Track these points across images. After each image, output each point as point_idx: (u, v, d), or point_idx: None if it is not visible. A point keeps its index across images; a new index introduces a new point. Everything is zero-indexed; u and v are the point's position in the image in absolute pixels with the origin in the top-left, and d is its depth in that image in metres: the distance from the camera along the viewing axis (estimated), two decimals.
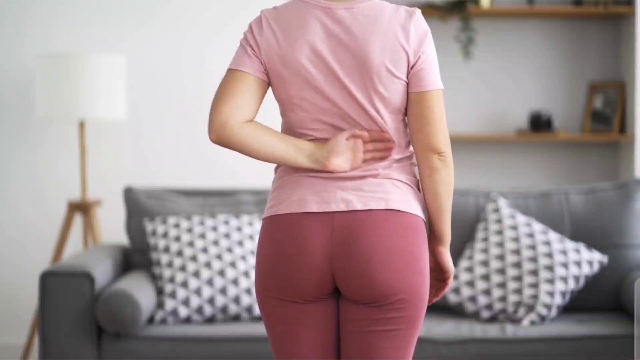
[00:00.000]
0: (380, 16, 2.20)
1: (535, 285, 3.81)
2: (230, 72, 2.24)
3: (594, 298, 3.96)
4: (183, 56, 4.78)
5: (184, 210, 4.10)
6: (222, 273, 3.85)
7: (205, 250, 3.90)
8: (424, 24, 2.23)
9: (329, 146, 2.22)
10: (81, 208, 4.53)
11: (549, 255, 3.86)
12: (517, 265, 3.86)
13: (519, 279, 3.83)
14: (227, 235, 3.95)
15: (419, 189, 2.29)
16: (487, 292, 3.85)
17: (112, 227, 4.70)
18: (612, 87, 5.03)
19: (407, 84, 2.22)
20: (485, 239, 3.95)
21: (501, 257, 3.89)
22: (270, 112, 2.66)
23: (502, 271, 3.87)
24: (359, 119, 2.22)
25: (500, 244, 3.92)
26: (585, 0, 4.96)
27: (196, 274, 3.85)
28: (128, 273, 4.03)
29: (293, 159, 2.22)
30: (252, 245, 3.94)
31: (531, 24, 5.11)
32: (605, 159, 5.12)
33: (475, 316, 3.87)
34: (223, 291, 3.83)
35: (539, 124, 4.94)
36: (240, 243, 3.94)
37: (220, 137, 2.20)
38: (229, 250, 3.91)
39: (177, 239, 3.94)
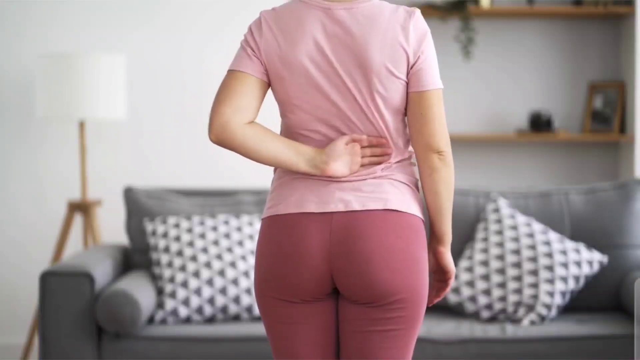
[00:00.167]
0: (379, 16, 2.21)
1: (535, 285, 3.81)
2: (231, 73, 2.24)
3: (594, 298, 3.96)
4: (183, 56, 4.78)
5: (184, 210, 4.10)
6: (222, 273, 3.85)
7: (205, 250, 3.90)
8: (423, 24, 2.23)
9: (328, 151, 2.22)
10: (81, 208, 4.53)
11: (549, 255, 3.86)
12: (517, 265, 3.86)
13: (519, 279, 3.83)
14: (227, 235, 3.95)
15: (418, 189, 2.29)
16: (487, 292, 3.85)
17: (112, 227, 4.70)
18: (612, 87, 5.03)
19: (407, 84, 2.22)
20: (485, 239, 3.95)
21: (501, 257, 3.89)
22: (270, 113, 2.66)
23: (502, 271, 3.87)
24: (358, 119, 2.22)
25: (500, 244, 3.92)
26: (585, 0, 4.96)
27: (196, 274, 3.85)
28: (128, 273, 4.03)
29: (293, 163, 2.22)
30: (252, 245, 3.94)
31: (531, 24, 5.11)
32: (605, 159, 5.12)
33: (475, 316, 3.87)
34: (223, 291, 3.83)
35: (539, 124, 4.94)
36: (240, 243, 3.94)
37: (221, 138, 2.20)
38: (229, 250, 3.91)
39: (177, 239, 3.95)
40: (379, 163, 2.24)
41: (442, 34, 4.93)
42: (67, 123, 4.77)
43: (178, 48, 4.78)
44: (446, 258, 2.33)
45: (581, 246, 3.92)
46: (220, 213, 4.09)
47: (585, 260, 3.88)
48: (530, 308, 3.78)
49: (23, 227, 4.80)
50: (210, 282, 3.83)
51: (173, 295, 3.82)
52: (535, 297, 3.79)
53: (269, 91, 2.29)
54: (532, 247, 3.88)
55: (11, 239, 4.80)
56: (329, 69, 2.20)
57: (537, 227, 3.95)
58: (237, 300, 3.83)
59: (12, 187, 4.79)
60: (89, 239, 4.61)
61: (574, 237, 4.00)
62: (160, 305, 3.81)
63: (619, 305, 3.96)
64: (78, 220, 4.77)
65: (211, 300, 3.82)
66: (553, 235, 3.93)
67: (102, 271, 3.80)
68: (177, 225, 3.99)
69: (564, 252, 3.87)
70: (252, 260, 3.90)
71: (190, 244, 3.92)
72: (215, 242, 3.93)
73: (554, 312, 3.80)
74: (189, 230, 3.96)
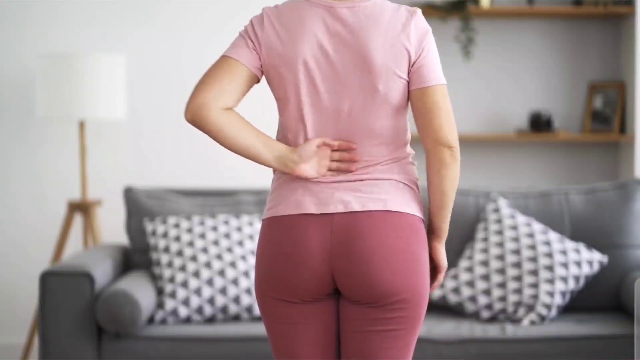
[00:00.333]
0: (381, 15, 2.21)
1: (535, 285, 3.81)
2: (225, 58, 2.23)
3: (594, 298, 3.96)
4: (183, 56, 4.78)
5: (184, 210, 4.10)
6: (222, 273, 3.85)
7: (205, 250, 3.90)
8: (424, 23, 2.23)
9: (299, 151, 2.22)
10: (81, 208, 4.53)
11: (549, 255, 3.86)
12: (517, 265, 3.86)
13: (519, 279, 3.83)
14: (227, 235, 3.95)
15: (418, 189, 2.29)
16: (487, 292, 3.85)
17: (112, 227, 4.70)
18: (612, 87, 5.03)
19: (409, 82, 2.22)
20: (485, 239, 3.95)
21: (501, 257, 3.89)
22: (269, 113, 2.66)
23: (502, 271, 3.86)
24: (356, 117, 2.22)
25: (500, 244, 3.91)
26: (585, 0, 4.96)
27: (196, 274, 3.85)
28: (128, 273, 4.03)
29: (263, 158, 2.21)
30: (252, 245, 3.94)
31: (531, 24, 5.11)
32: (605, 159, 5.12)
33: (475, 316, 3.87)
34: (223, 291, 3.83)
35: (539, 124, 4.94)
36: (240, 243, 3.94)
37: (196, 118, 2.19)
38: (229, 250, 3.91)
39: (177, 239, 3.94)
40: (347, 170, 2.23)
41: (442, 34, 4.92)
42: (67, 123, 4.77)
43: (178, 48, 4.78)
44: (440, 253, 2.32)
45: (581, 246, 3.92)
46: (220, 213, 4.09)
47: (585, 260, 3.88)
48: (530, 308, 3.78)
49: (23, 227, 4.80)
50: (210, 282, 3.83)
51: (173, 295, 3.82)
52: (535, 297, 3.79)
53: (268, 89, 2.29)
54: (532, 247, 3.88)
55: (11, 239, 4.80)
56: (330, 67, 2.20)
57: (537, 227, 3.95)
58: (237, 300, 3.83)
59: (12, 187, 4.79)
60: (89, 239, 4.61)
61: (574, 237, 4.00)
62: (160, 305, 3.81)
63: (619, 305, 3.96)
64: (78, 220, 4.77)
65: (211, 300, 3.82)
66: (553, 235, 3.93)
67: (102, 271, 3.79)
68: (177, 225, 3.99)
69: (564, 252, 3.87)
70: (252, 260, 3.90)
71: (190, 244, 3.92)
72: (215, 242, 3.92)
73: (554, 312, 3.80)
74: (189, 230, 3.96)
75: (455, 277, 3.91)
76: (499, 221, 3.98)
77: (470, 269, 3.90)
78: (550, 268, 3.83)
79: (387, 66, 2.19)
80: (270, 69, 2.23)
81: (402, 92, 2.22)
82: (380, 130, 2.23)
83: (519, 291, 3.81)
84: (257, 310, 3.83)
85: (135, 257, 4.11)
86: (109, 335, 3.69)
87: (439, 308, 3.93)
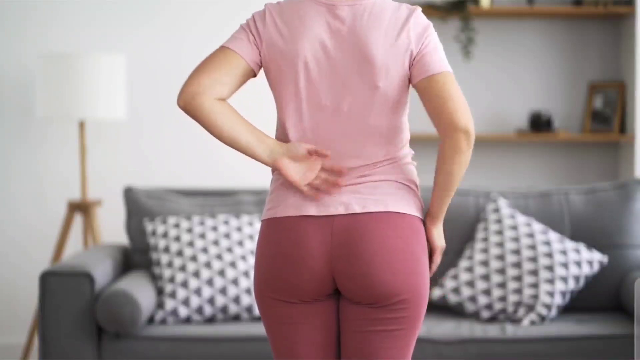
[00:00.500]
0: (382, 13, 2.21)
1: (535, 285, 3.81)
2: (224, 49, 2.23)
3: (594, 298, 3.96)
4: (183, 56, 4.77)
5: (184, 210, 4.10)
6: (222, 273, 3.85)
7: (205, 250, 3.90)
8: (424, 19, 2.23)
9: (289, 146, 2.21)
10: (81, 208, 4.53)
11: (549, 255, 3.86)
12: (517, 265, 3.86)
13: (519, 279, 3.83)
14: (227, 235, 3.95)
15: (417, 189, 2.28)
16: (487, 292, 3.85)
17: (112, 227, 4.70)
18: (612, 87, 5.03)
19: (412, 77, 2.21)
20: (485, 239, 3.95)
21: (501, 257, 3.89)
22: (267, 111, 2.66)
23: (502, 271, 3.87)
24: (356, 115, 2.22)
25: (500, 244, 3.91)
26: (585, 0, 4.96)
27: (196, 274, 3.85)
28: (128, 273, 4.03)
29: (253, 149, 2.20)
30: (252, 245, 3.94)
31: (531, 24, 5.11)
32: (605, 159, 5.12)
33: (475, 316, 3.87)
34: (223, 291, 3.83)
35: (539, 124, 4.94)
36: (240, 243, 3.94)
37: (189, 107, 2.19)
38: (229, 250, 3.91)
39: (177, 239, 3.95)
40: (327, 193, 2.20)
41: (442, 34, 4.88)
42: (67, 123, 4.77)
43: (178, 48, 4.78)
44: (434, 235, 2.29)
45: (581, 246, 3.92)
46: (220, 213, 4.09)
47: (585, 260, 3.88)
48: (530, 308, 3.78)
49: (23, 227, 4.80)
50: (210, 282, 3.83)
51: (173, 295, 3.82)
52: (535, 297, 3.79)
53: (266, 87, 2.28)
54: (532, 247, 3.88)
55: (11, 239, 4.80)
56: (331, 65, 2.21)
57: (537, 227, 3.95)
58: (237, 300, 3.83)
59: (12, 187, 4.79)
60: (89, 239, 4.61)
61: (574, 237, 4.00)
62: (160, 305, 3.81)
63: (619, 305, 3.96)
64: (78, 220, 4.77)
65: (211, 300, 3.82)
66: (553, 235, 3.93)
67: (102, 271, 3.79)
68: (177, 225, 3.99)
69: (564, 252, 3.87)
70: (252, 260, 3.90)
71: (190, 244, 3.92)
72: (215, 242, 3.93)
73: (554, 312, 3.80)
74: (189, 230, 3.96)
75: (455, 277, 3.91)
76: (499, 221, 3.98)
77: (470, 269, 3.90)
78: (550, 268, 3.83)
79: (387, 64, 2.19)
80: (270, 66, 2.23)
81: (402, 90, 2.22)
82: (380, 129, 2.23)
83: (519, 291, 3.81)
84: (257, 310, 3.83)
85: (135, 257, 4.11)
86: (109, 335, 3.69)
87: (439, 308, 3.93)
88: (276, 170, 2.24)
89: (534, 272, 3.83)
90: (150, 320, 3.80)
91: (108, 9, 4.76)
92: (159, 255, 3.93)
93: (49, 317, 3.67)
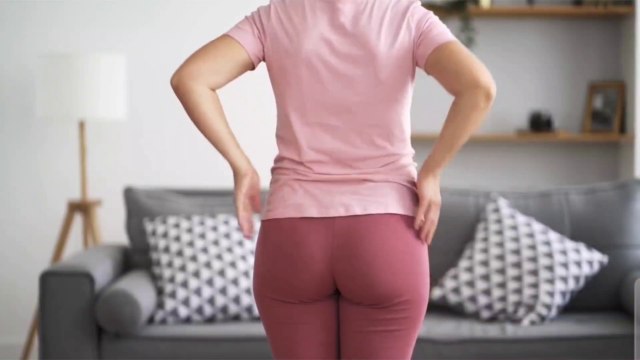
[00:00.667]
0: (383, 7, 2.22)
1: (535, 285, 3.81)
2: (227, 37, 2.24)
3: (594, 298, 3.96)
4: (183, 56, 4.75)
5: (184, 210, 4.10)
6: (222, 273, 3.85)
7: (205, 250, 3.90)
8: (423, 9, 2.24)
9: (254, 174, 2.25)
10: (81, 208, 4.53)
11: (549, 255, 3.86)
12: (517, 265, 3.86)
13: (519, 279, 3.83)
14: (227, 235, 3.95)
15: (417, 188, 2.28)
16: (487, 292, 3.85)
17: (112, 227, 4.70)
18: (612, 87, 5.03)
19: (418, 61, 2.20)
20: (485, 239, 3.95)
21: (501, 257, 3.89)
22: (266, 109, 2.66)
23: (502, 271, 3.86)
24: (358, 110, 2.22)
25: (500, 244, 3.91)
26: (585, 0, 4.96)
27: (196, 274, 3.85)
28: (128, 273, 4.03)
29: (230, 147, 2.22)
30: (252, 245, 3.94)
31: (531, 24, 5.11)
32: (605, 159, 5.12)
33: (475, 316, 3.87)
34: (223, 291, 3.83)
35: (539, 124, 4.94)
36: (240, 243, 3.94)
37: (181, 86, 2.19)
38: (229, 250, 3.91)
39: (177, 239, 3.95)
40: (246, 234, 2.24)
41: None
42: (67, 123, 4.77)
43: (178, 48, 4.77)
44: (424, 185, 2.21)
45: (581, 246, 3.92)
46: (220, 213, 4.09)
47: (585, 260, 3.88)
48: (530, 308, 3.78)
49: (23, 227, 4.80)
50: (210, 282, 3.83)
51: (173, 295, 3.82)
52: (535, 297, 3.79)
53: (267, 84, 2.29)
54: (532, 247, 3.88)
55: (11, 239, 4.80)
56: (333, 61, 2.21)
57: (537, 227, 3.95)
58: (237, 300, 3.83)
59: (12, 187, 4.79)
60: (89, 239, 4.61)
61: (574, 237, 4.00)
62: (160, 305, 3.81)
63: (619, 305, 3.96)
64: (78, 220, 4.77)
65: (211, 300, 3.82)
66: (553, 235, 3.93)
67: (102, 271, 3.79)
68: (177, 225, 3.99)
69: (564, 252, 3.87)
70: (252, 260, 3.90)
71: (190, 244, 3.92)
72: (215, 242, 3.93)
73: (554, 312, 3.80)
74: (189, 230, 3.96)
75: (455, 277, 3.91)
76: (499, 221, 3.98)
77: (470, 269, 3.90)
78: (550, 268, 3.83)
79: (391, 58, 2.20)
80: (273, 61, 2.24)
81: (406, 84, 2.23)
82: (382, 124, 2.22)
83: (519, 291, 3.81)
84: (257, 311, 3.83)
85: (135, 257, 4.11)
86: (109, 335, 3.69)
87: (439, 308, 3.93)
88: (239, 177, 2.25)
89: (534, 272, 3.83)
90: (150, 320, 3.80)
91: (108, 9, 4.76)
92: (159, 255, 3.94)
93: (49, 317, 3.67)
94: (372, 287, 2.17)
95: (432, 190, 2.22)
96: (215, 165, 4.75)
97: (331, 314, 2.26)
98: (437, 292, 3.91)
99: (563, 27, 5.10)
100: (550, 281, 3.81)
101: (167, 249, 3.93)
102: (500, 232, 3.94)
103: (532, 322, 3.75)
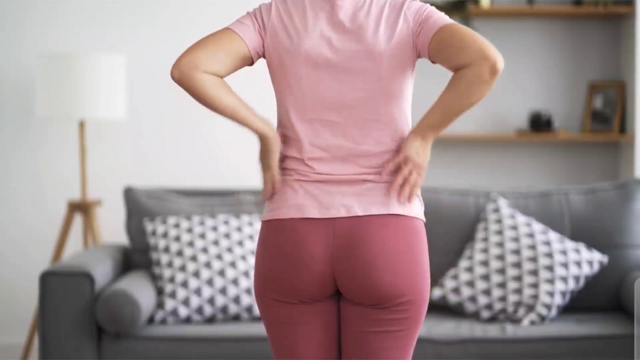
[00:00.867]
0: (381, 2, 2.23)
1: (535, 285, 3.81)
2: (227, 30, 2.24)
3: (594, 298, 3.96)
4: None
5: (184, 210, 4.10)
6: (222, 273, 3.85)
7: (205, 250, 3.90)
8: (419, 2, 2.24)
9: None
10: (81, 208, 4.53)
11: (549, 255, 3.86)
12: (517, 265, 3.86)
13: (519, 279, 3.83)
14: (227, 235, 3.95)
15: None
16: (487, 292, 3.85)
17: (112, 227, 4.70)
18: (612, 87, 5.03)
19: (420, 51, 2.20)
20: (485, 239, 3.95)
21: (501, 257, 3.89)
22: (266, 108, 2.66)
23: (502, 271, 3.86)
24: (358, 107, 2.22)
25: (500, 244, 3.91)
26: (585, 0, 4.96)
27: (196, 274, 3.85)
28: (128, 273, 4.03)
29: (249, 120, 2.21)
30: (252, 245, 3.94)
31: (531, 24, 5.11)
32: (605, 159, 5.12)
33: (475, 316, 3.87)
34: (223, 291, 3.83)
35: (539, 124, 4.94)
36: (240, 243, 3.94)
37: (184, 76, 2.18)
38: (229, 250, 3.91)
39: (177, 239, 3.95)
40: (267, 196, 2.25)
41: None
42: (67, 123, 4.77)
43: (178, 48, 4.73)
44: (409, 144, 2.17)
45: (581, 246, 3.92)
46: (220, 213, 4.09)
47: (585, 260, 3.88)
48: (530, 308, 3.78)
49: (23, 227, 4.80)
50: (210, 282, 3.83)
51: (173, 295, 3.82)
52: (535, 297, 3.79)
53: (266, 81, 2.29)
54: (532, 247, 3.88)
55: (11, 239, 4.80)
56: (333, 58, 2.21)
57: (537, 227, 3.95)
58: (237, 300, 3.83)
59: (12, 187, 4.79)
60: (89, 239, 4.61)
61: (574, 237, 4.00)
62: (160, 305, 3.81)
63: (619, 305, 3.96)
64: (78, 220, 4.77)
65: (211, 300, 3.82)
66: (553, 235, 3.93)
67: (102, 271, 3.79)
68: (177, 225, 3.99)
69: (564, 252, 3.87)
70: (252, 260, 3.90)
71: (190, 244, 3.92)
72: (215, 242, 3.93)
73: (554, 312, 3.80)
74: (189, 230, 3.96)
75: (455, 277, 3.91)
76: (499, 221, 3.98)
77: (470, 269, 3.90)
78: (550, 268, 3.83)
79: (389, 52, 2.20)
80: (273, 58, 2.24)
81: (406, 78, 2.23)
82: (383, 119, 2.22)
83: (519, 291, 3.81)
84: (257, 311, 3.83)
85: (135, 257, 4.11)
86: (109, 335, 3.69)
87: (439, 308, 3.93)
88: (269, 141, 2.22)
89: (534, 272, 3.83)
90: (150, 320, 3.80)
91: (108, 9, 4.76)
92: (159, 255, 3.94)
93: (49, 317, 3.67)
94: (373, 288, 2.17)
95: (414, 150, 2.19)
96: (215, 165, 4.76)
97: (332, 314, 2.26)
98: (437, 292, 3.91)
99: (563, 27, 5.10)
100: (550, 281, 3.81)
101: (167, 249, 3.93)
102: (500, 232, 3.94)
103: (532, 322, 3.75)
